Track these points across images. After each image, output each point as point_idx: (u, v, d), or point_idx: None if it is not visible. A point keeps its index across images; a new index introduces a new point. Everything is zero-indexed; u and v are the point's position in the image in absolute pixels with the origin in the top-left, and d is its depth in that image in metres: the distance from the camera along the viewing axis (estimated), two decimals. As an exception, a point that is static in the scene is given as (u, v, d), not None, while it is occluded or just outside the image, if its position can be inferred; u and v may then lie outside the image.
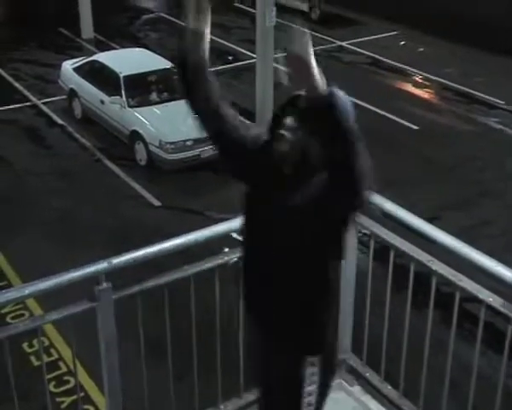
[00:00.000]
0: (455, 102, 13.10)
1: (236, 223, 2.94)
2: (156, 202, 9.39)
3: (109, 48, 14.75)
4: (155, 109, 10.78)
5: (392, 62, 14.53)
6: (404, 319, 3.46)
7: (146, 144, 10.30)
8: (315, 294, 2.38)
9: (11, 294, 2.61)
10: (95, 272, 2.75)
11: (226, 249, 3.19)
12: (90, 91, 11.64)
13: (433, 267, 3.06)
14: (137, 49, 12.97)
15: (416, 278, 3.31)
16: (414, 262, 3.23)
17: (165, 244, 2.96)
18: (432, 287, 3.17)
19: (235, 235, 2.90)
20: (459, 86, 13.41)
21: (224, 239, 3.20)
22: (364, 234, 3.75)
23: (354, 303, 3.81)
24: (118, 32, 16.45)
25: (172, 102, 10.53)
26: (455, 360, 3.28)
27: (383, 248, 3.54)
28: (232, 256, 3.13)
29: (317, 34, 15.43)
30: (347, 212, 2.27)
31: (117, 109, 10.90)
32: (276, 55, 10.91)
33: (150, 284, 2.94)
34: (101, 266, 2.76)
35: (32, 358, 6.28)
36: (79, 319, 2.88)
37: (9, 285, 7.52)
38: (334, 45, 15.73)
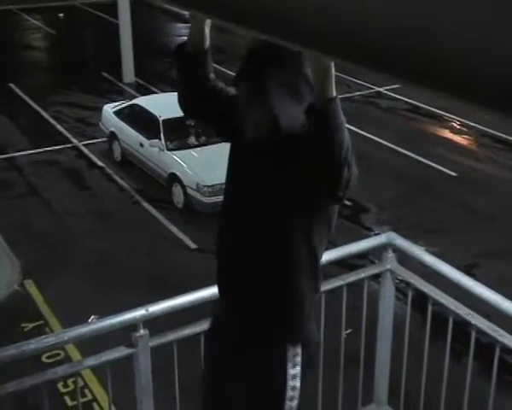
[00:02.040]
0: (494, 149, 12.99)
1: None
2: (193, 245, 9.44)
3: (150, 92, 15.02)
4: (193, 153, 10.91)
5: (431, 108, 14.51)
6: (443, 369, 3.41)
7: (183, 187, 10.41)
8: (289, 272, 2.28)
9: (50, 339, 2.64)
10: (132, 319, 2.77)
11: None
12: (129, 134, 11.84)
13: (473, 322, 3.01)
14: (177, 93, 13.18)
15: (454, 326, 3.27)
16: (452, 315, 3.19)
17: (203, 293, 2.97)
18: (471, 340, 3.12)
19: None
20: (498, 133, 13.31)
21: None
22: (401, 281, 3.72)
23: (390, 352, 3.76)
24: (158, 77, 16.75)
25: (210, 146, 10.67)
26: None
27: (420, 296, 3.51)
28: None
29: (354, 80, 15.54)
30: (321, 195, 2.18)
31: (155, 152, 11.05)
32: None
33: (187, 331, 2.94)
34: (139, 313, 2.78)
35: (67, 398, 6.30)
36: (116, 361, 2.90)
37: (46, 324, 7.61)
38: (372, 91, 15.78)
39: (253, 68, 2.18)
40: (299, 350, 2.32)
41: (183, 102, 2.56)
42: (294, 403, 2.36)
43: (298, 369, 2.32)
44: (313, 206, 2.23)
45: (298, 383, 2.34)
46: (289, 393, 2.33)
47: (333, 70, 1.92)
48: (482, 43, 0.61)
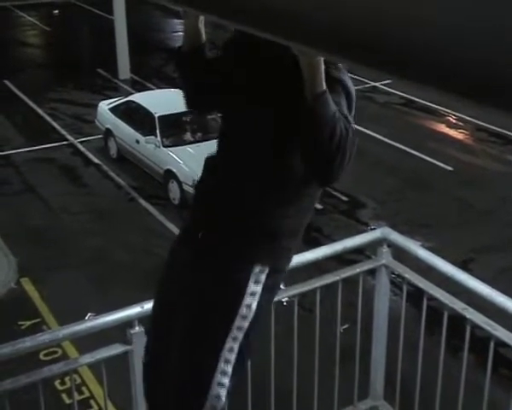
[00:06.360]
0: (489, 143, 13.01)
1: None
2: (189, 242, 9.44)
3: (145, 88, 15.01)
4: (189, 149, 10.90)
5: (426, 103, 14.53)
6: (438, 364, 3.42)
7: (180, 183, 10.41)
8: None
9: (46, 337, 2.65)
10: (128, 316, 2.78)
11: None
12: (125, 131, 11.83)
13: (468, 316, 3.02)
14: (172, 89, 13.19)
15: (450, 321, 3.28)
16: (447, 309, 3.20)
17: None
18: (466, 334, 3.14)
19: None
20: (493, 127, 13.32)
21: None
22: (397, 276, 3.73)
23: (386, 347, 3.77)
24: (154, 73, 16.74)
25: (206, 142, 10.65)
26: (490, 406, 3.22)
27: (416, 290, 3.52)
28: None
29: (350, 75, 15.52)
30: (311, 175, 2.17)
31: (152, 149, 11.05)
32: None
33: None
34: (134, 310, 2.79)
35: (64, 396, 6.30)
36: (112, 358, 2.92)
37: (42, 322, 7.61)
38: (367, 86, 15.79)
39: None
40: (266, 270, 2.24)
41: (190, 101, 2.54)
42: (245, 325, 2.24)
43: (259, 288, 2.24)
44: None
45: (254, 304, 2.24)
46: (243, 310, 2.23)
47: (322, 65, 1.94)
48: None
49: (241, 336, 2.24)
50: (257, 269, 2.23)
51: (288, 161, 2.20)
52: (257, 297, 2.24)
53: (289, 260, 2.38)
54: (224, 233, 2.29)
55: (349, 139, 2.02)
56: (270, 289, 2.28)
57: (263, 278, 2.24)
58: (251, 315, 2.23)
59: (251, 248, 2.27)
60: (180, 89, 2.56)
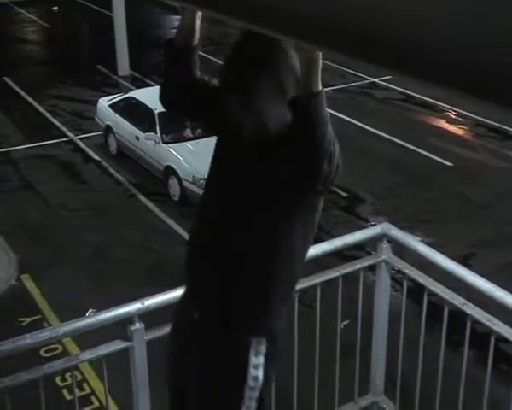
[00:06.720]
0: (489, 139, 13.00)
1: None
2: (189, 238, 9.43)
3: (145, 85, 14.98)
4: (189, 145, 10.90)
5: (425, 98, 14.51)
6: (439, 359, 3.42)
7: (180, 180, 10.41)
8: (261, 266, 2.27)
9: (45, 334, 2.65)
10: (128, 313, 2.78)
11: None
12: (125, 128, 11.82)
13: (468, 311, 3.03)
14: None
15: (450, 316, 3.29)
16: (447, 305, 3.21)
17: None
18: (466, 330, 3.14)
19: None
20: (493, 122, 13.31)
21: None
22: (398, 271, 3.73)
23: (386, 343, 3.78)
24: (153, 69, 16.71)
25: (206, 139, 10.63)
26: (491, 402, 3.23)
27: (416, 286, 3.52)
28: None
29: (349, 71, 15.53)
30: (302, 180, 2.13)
31: (151, 145, 11.04)
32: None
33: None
34: (135, 307, 2.79)
35: (65, 392, 6.30)
36: (112, 355, 2.92)
37: (43, 319, 7.61)
38: (366, 82, 15.77)
39: (238, 73, 2.15)
40: (263, 341, 2.29)
41: (165, 95, 2.53)
42: (255, 394, 2.31)
43: (261, 359, 2.28)
44: (298, 199, 2.20)
45: (260, 374, 2.30)
46: (250, 383, 2.29)
47: (320, 63, 1.91)
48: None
49: (254, 404, 2.32)
50: (254, 341, 2.27)
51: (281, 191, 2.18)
52: (261, 368, 2.30)
53: (281, 328, 2.41)
54: (218, 304, 2.32)
55: (337, 149, 2.02)
56: (271, 358, 2.33)
57: (262, 348, 2.29)
58: (259, 384, 2.31)
59: (245, 320, 2.31)
60: (160, 82, 2.55)
